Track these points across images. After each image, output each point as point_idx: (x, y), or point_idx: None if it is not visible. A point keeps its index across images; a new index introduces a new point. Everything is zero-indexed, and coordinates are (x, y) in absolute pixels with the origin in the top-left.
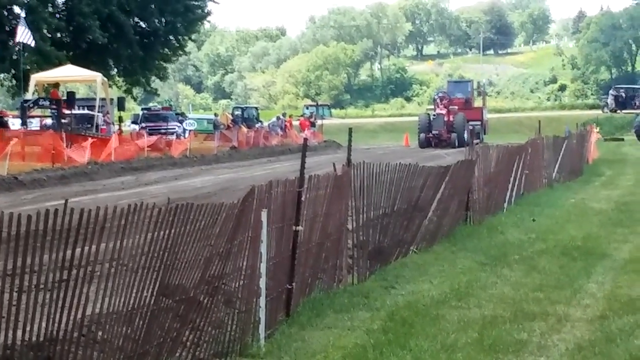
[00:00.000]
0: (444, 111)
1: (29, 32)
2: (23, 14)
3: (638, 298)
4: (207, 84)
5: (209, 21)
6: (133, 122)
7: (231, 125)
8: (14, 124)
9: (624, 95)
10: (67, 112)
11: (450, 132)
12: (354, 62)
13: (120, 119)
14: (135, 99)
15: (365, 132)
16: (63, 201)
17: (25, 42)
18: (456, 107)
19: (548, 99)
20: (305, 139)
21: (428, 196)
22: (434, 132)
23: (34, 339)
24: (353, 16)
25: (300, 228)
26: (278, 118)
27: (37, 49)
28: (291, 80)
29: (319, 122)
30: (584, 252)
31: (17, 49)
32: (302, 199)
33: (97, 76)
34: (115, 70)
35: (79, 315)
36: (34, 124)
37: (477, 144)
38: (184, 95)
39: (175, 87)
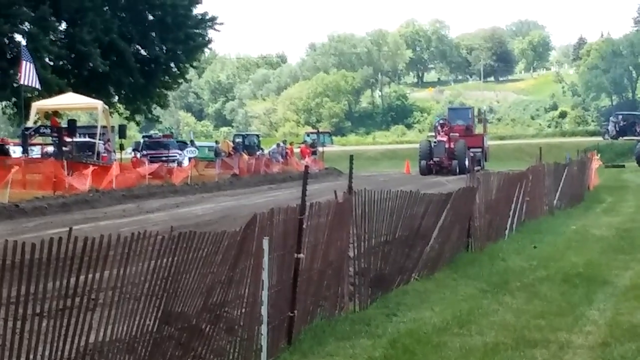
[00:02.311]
0: (444, 138)
1: (33, 72)
2: (24, 42)
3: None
4: (208, 111)
5: (209, 48)
6: (134, 150)
7: (232, 153)
8: (15, 151)
9: (624, 122)
10: (68, 139)
11: (451, 159)
12: (354, 90)
13: (122, 147)
14: (138, 124)
15: (366, 159)
16: (64, 229)
17: (29, 84)
18: (457, 134)
19: (549, 126)
20: (307, 167)
21: (429, 223)
22: (435, 159)
23: None
24: (353, 43)
25: (301, 255)
26: (278, 145)
27: (38, 77)
28: (292, 108)
29: (320, 149)
30: (585, 279)
31: (18, 76)
32: (304, 226)
33: (98, 104)
34: (117, 97)
35: (82, 343)
36: (35, 152)
37: (478, 171)
38: (185, 122)
39: (176, 115)
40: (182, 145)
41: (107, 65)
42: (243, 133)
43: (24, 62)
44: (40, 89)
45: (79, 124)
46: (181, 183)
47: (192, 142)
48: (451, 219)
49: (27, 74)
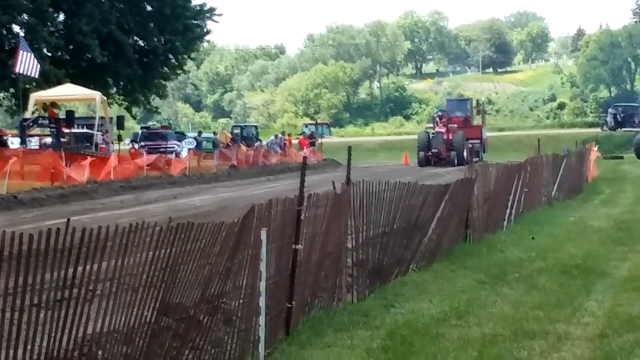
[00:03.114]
0: (443, 129)
1: (34, 60)
2: (22, 33)
3: (638, 316)
4: (207, 102)
5: (207, 40)
6: (132, 141)
7: (230, 144)
8: (13, 142)
9: (623, 113)
10: (66, 131)
11: (450, 150)
12: (353, 81)
13: (120, 138)
14: (134, 117)
15: (364, 151)
16: (62, 220)
17: (26, 73)
18: (455, 126)
19: (547, 117)
20: (305, 158)
21: (427, 214)
22: (433, 150)
23: (34, 358)
24: (352, 34)
25: (299, 247)
26: (276, 136)
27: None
28: (290, 99)
29: (318, 140)
30: (583, 271)
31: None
32: (302, 217)
33: (96, 95)
34: (115, 88)
35: (80, 334)
36: (33, 143)
37: (476, 162)
38: (183, 114)
39: (174, 106)
40: (181, 136)
41: (106, 56)
42: (241, 124)
43: (21, 52)
44: (37, 77)
45: (77, 115)
46: (179, 174)
47: (200, 133)
48: (449, 210)
49: (24, 63)
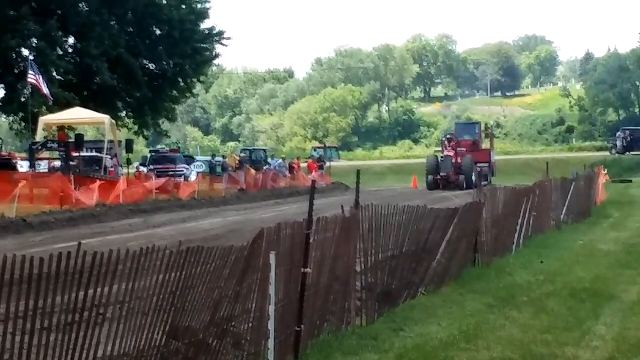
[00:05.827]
0: (451, 153)
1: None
2: (32, 57)
3: None
4: (215, 126)
5: (216, 64)
6: (141, 165)
7: (238, 167)
8: (23, 166)
9: (631, 137)
10: (75, 154)
11: (458, 174)
12: (361, 104)
13: (129, 162)
14: (147, 138)
15: (373, 174)
16: (72, 243)
17: (48, 95)
18: (464, 149)
19: (556, 141)
20: (314, 181)
21: (436, 238)
22: (442, 174)
23: None
24: (360, 58)
25: (308, 270)
26: (283, 159)
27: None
28: (299, 123)
29: (327, 164)
30: (592, 294)
31: (26, 91)
32: (311, 241)
33: (105, 118)
34: (124, 112)
35: (90, 358)
36: (43, 167)
37: (485, 186)
38: (192, 137)
39: (183, 130)
40: (190, 160)
41: (115, 80)
42: (250, 148)
43: (38, 76)
44: (52, 99)
45: (86, 138)
46: (188, 198)
47: (213, 155)
48: (458, 234)
49: (45, 85)
